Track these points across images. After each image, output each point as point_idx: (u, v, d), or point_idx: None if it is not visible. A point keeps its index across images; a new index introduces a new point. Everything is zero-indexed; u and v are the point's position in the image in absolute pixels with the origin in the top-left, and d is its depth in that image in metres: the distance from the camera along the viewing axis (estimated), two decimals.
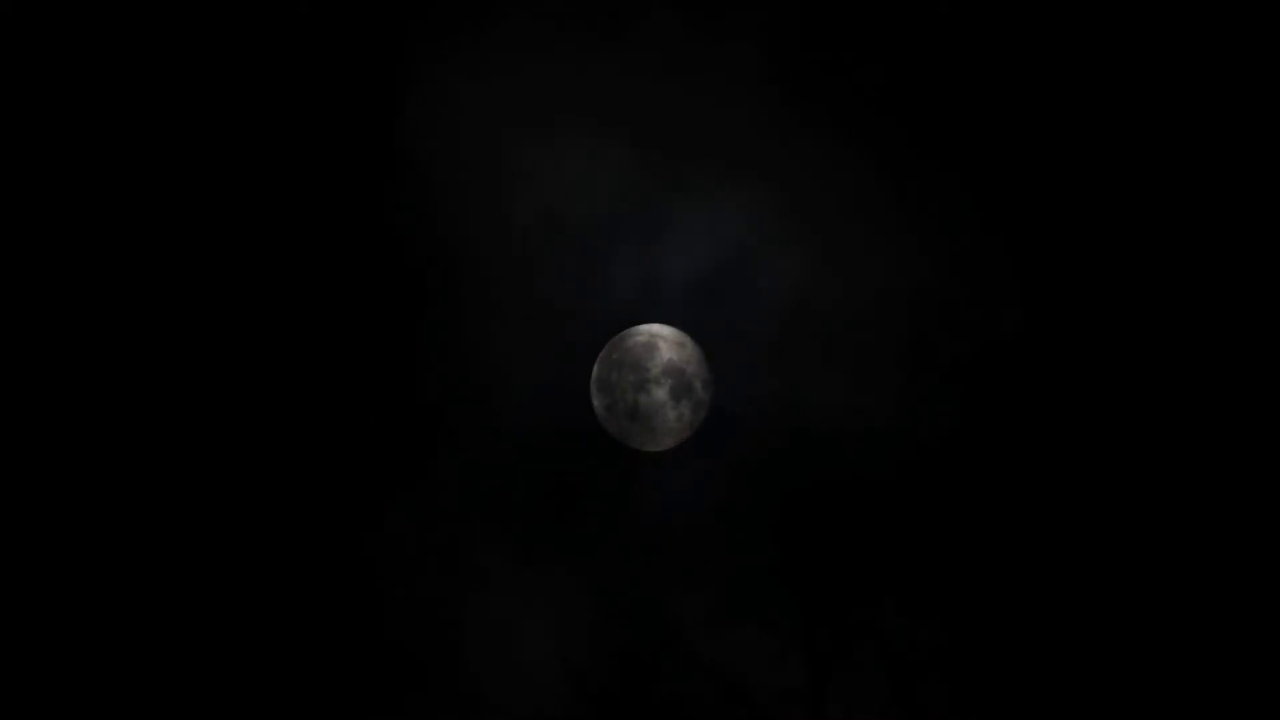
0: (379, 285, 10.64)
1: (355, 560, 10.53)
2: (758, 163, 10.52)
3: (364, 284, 10.63)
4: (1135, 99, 10.41)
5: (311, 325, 10.61)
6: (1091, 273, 10.42)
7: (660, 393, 10.53)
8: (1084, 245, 10.43)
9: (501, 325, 10.64)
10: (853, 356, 10.50)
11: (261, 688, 10.38)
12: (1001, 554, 10.38)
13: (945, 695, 10.35)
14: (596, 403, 10.64)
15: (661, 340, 10.62)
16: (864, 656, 10.45)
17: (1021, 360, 10.42)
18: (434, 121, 10.63)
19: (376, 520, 10.56)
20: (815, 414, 10.44)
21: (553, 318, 10.62)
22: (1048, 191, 10.47)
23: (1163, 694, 10.12)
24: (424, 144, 10.62)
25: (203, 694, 10.33)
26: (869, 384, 10.45)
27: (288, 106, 10.61)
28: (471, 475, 10.62)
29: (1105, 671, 10.21)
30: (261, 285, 10.60)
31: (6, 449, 10.36)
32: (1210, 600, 10.15)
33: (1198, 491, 10.24)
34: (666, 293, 10.66)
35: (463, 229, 10.65)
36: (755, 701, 10.44)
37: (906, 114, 10.53)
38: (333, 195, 10.61)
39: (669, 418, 10.57)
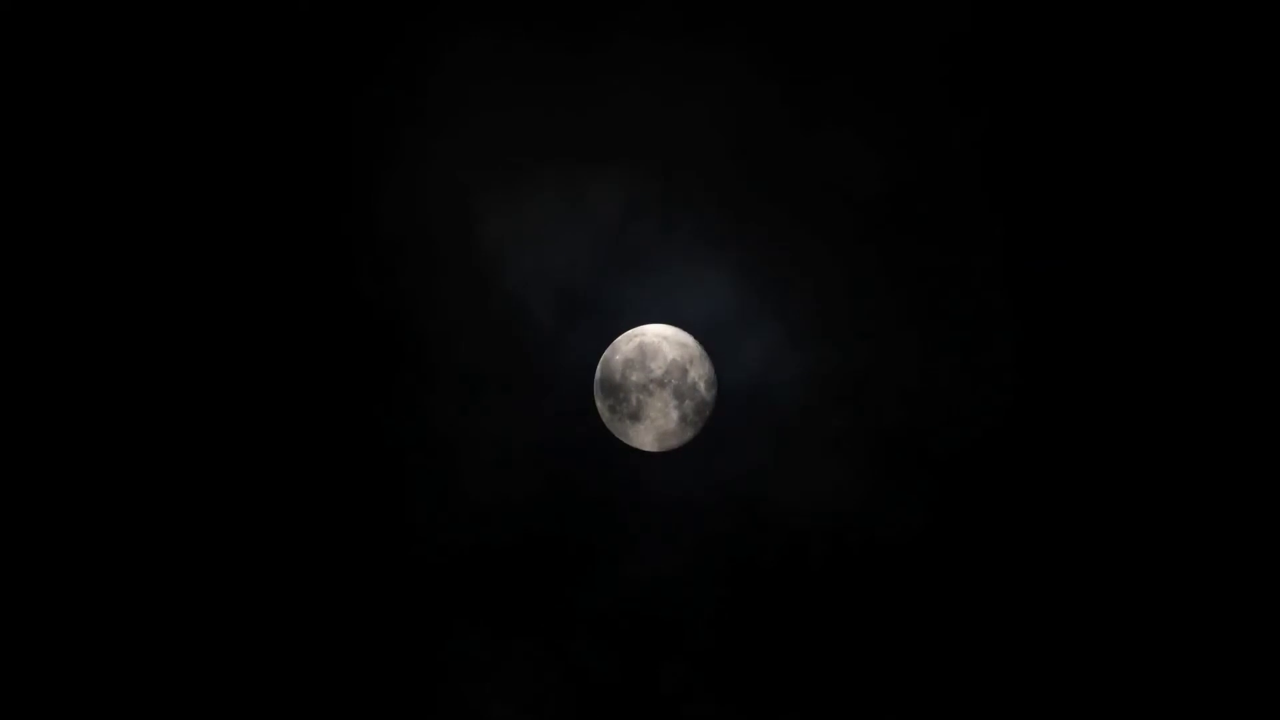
0: (347, 343, 10.52)
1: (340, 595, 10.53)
2: (733, 238, 10.43)
3: (333, 337, 10.51)
4: (1148, 188, 10.10)
5: (282, 364, 10.51)
6: (1089, 371, 10.17)
7: (663, 393, 10.52)
8: (1082, 340, 10.18)
9: (472, 388, 10.60)
10: (824, 442, 10.39)
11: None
12: (964, 665, 10.25)
13: None
14: (600, 405, 10.63)
15: (664, 340, 10.60)
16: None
17: (1006, 460, 10.22)
18: (405, 185, 10.51)
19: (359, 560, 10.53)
20: (782, 499, 10.40)
21: (525, 381, 10.58)
22: (1048, 284, 10.21)
23: None
24: (395, 208, 10.50)
25: None
26: (841, 472, 10.35)
27: (244, 171, 10.44)
28: (452, 529, 10.61)
29: None
30: (224, 344, 10.46)
31: None
32: (1207, 694, 9.99)
33: (1191, 605, 10.04)
34: None
35: (432, 290, 10.55)
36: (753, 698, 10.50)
37: (899, 205, 10.33)
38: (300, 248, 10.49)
39: (672, 418, 10.56)
